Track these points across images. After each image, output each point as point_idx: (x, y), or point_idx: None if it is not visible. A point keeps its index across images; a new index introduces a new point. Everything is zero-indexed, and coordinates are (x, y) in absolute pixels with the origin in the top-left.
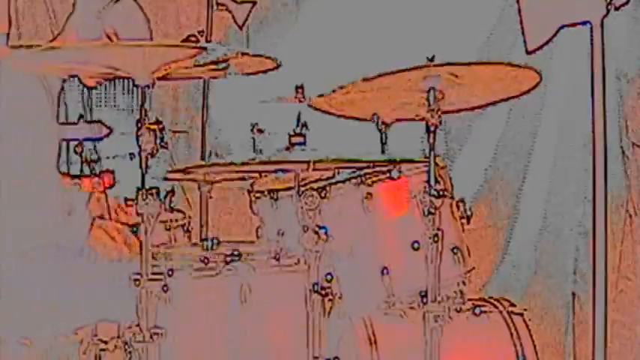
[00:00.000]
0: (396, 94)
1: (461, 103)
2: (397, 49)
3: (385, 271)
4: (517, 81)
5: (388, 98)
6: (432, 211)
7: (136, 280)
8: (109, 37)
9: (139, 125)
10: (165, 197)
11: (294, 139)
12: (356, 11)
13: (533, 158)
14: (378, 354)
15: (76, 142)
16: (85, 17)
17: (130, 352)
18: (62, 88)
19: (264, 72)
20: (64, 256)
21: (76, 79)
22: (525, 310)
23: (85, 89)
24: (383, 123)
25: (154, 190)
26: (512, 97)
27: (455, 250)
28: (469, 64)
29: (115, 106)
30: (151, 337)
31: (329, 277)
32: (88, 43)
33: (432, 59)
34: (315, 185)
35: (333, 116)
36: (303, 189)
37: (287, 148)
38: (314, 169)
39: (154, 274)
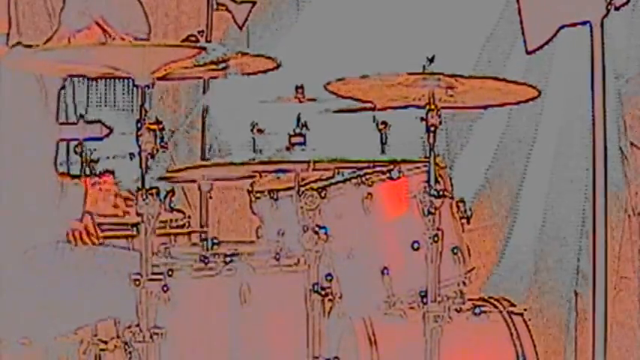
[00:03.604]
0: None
1: (459, 104)
2: (397, 49)
3: (385, 271)
4: (515, 93)
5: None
6: (432, 211)
7: (136, 280)
8: (98, 25)
9: (139, 125)
10: (165, 197)
11: (294, 139)
12: (356, 10)
13: (533, 158)
14: (378, 354)
15: (76, 142)
16: (73, 9)
17: (130, 352)
18: (63, 87)
19: (264, 72)
20: (64, 256)
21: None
22: (525, 310)
23: (85, 89)
24: (383, 123)
25: (154, 190)
26: (511, 104)
27: (455, 250)
28: (465, 77)
29: (115, 106)
30: (151, 337)
31: (329, 277)
32: (89, 43)
33: (431, 60)
34: (315, 185)
35: (335, 114)
36: (303, 189)
37: (287, 148)
38: (314, 169)
39: (154, 274)
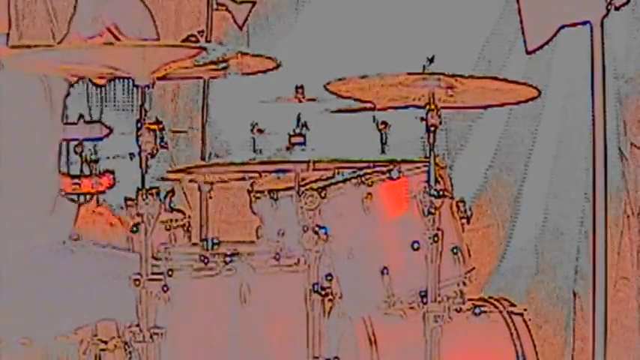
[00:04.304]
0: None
1: (459, 104)
2: (397, 49)
3: (385, 271)
4: (515, 93)
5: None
6: (432, 211)
7: (136, 280)
8: (110, 32)
9: (139, 125)
10: (165, 197)
11: (294, 139)
12: (356, 10)
13: (533, 158)
14: (378, 354)
15: (76, 142)
16: (85, 16)
17: (130, 352)
18: (69, 92)
19: (264, 72)
20: (64, 256)
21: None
22: (525, 310)
23: (86, 89)
24: (383, 123)
25: (154, 190)
26: (510, 104)
27: (455, 250)
28: (465, 77)
29: (115, 106)
30: (151, 337)
31: (329, 277)
32: (89, 43)
33: (431, 60)
34: (315, 185)
35: (335, 114)
36: (303, 189)
37: (287, 148)
38: (314, 169)
39: (154, 274)
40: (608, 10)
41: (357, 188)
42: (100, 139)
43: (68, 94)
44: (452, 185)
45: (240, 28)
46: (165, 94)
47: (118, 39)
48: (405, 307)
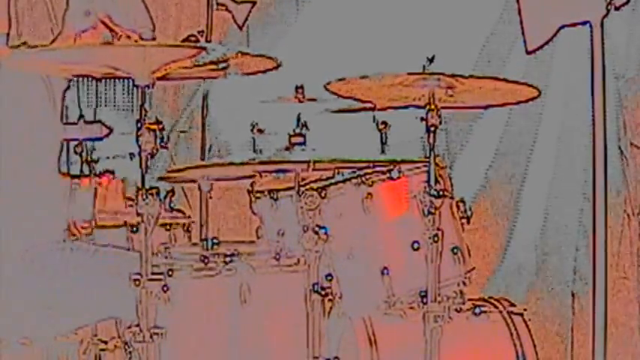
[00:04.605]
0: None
1: (459, 104)
2: (397, 49)
3: (385, 271)
4: (515, 93)
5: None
6: (432, 211)
7: (136, 280)
8: (103, 23)
9: (139, 125)
10: (165, 197)
11: (294, 139)
12: (356, 10)
13: (533, 158)
14: (378, 354)
15: (76, 142)
16: (77, 10)
17: (130, 352)
18: (68, 88)
19: (264, 72)
20: (64, 256)
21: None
22: (525, 310)
23: (86, 89)
24: (383, 123)
25: (154, 190)
26: (511, 104)
27: (455, 250)
28: (465, 77)
29: (115, 106)
30: (151, 337)
31: (329, 277)
32: (89, 43)
33: (431, 60)
34: (315, 185)
35: (335, 114)
36: (303, 189)
37: (287, 148)
38: (314, 169)
39: (153, 274)
40: (608, 10)
41: (357, 188)
42: (100, 139)
43: (67, 88)
44: (452, 185)
45: (240, 28)
46: (166, 94)
47: (112, 30)
48: (405, 307)
